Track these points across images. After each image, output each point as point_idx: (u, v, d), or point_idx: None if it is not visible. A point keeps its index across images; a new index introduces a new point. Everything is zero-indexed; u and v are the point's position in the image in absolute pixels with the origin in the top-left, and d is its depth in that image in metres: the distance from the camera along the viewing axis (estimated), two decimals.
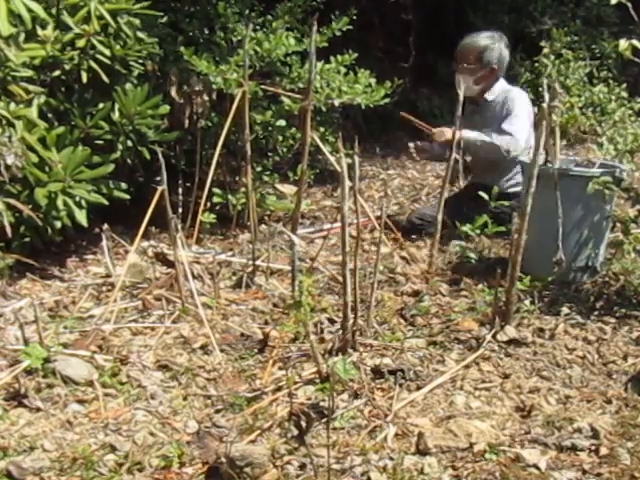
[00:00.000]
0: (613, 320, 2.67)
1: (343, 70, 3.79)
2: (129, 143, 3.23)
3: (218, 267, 3.09)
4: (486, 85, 3.67)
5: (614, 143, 3.21)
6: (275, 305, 2.78)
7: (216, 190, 3.73)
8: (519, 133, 3.50)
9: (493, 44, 3.63)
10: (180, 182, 3.81)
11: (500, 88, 3.69)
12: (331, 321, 2.61)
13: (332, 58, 3.80)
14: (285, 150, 4.06)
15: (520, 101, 3.62)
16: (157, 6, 3.36)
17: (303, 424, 1.91)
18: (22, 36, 2.75)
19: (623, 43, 2.58)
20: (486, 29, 3.82)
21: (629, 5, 2.63)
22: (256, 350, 2.41)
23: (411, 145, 3.83)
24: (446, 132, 3.52)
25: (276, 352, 2.37)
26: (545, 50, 4.43)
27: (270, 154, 4.05)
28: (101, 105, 3.13)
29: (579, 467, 1.81)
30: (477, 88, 3.67)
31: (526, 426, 1.99)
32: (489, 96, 3.68)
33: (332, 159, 3.06)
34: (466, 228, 3.28)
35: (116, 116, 3.16)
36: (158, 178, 2.79)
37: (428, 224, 3.50)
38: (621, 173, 2.92)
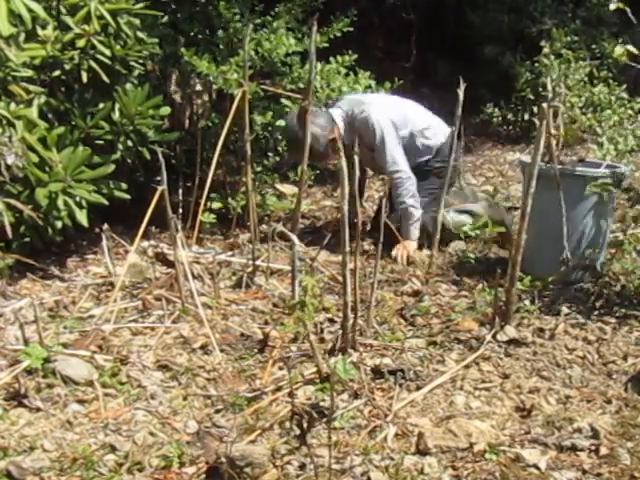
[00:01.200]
0: (613, 320, 2.67)
1: (343, 70, 3.80)
2: (129, 143, 3.23)
3: (218, 267, 3.09)
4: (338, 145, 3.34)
5: (614, 143, 3.21)
6: (275, 305, 2.78)
7: (214, 195, 3.73)
8: (395, 167, 3.36)
9: (311, 134, 3.12)
10: (180, 182, 3.81)
11: (343, 127, 3.40)
12: (331, 321, 2.61)
13: (332, 58, 3.80)
14: (285, 150, 4.06)
15: (374, 128, 3.35)
16: (157, 6, 3.36)
17: (304, 424, 1.91)
18: (22, 36, 2.75)
19: (619, 49, 2.59)
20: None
21: (628, 10, 2.63)
22: (256, 350, 2.41)
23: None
24: (405, 254, 3.29)
25: (276, 352, 2.37)
26: (545, 50, 4.42)
27: (270, 154, 4.05)
28: (101, 105, 3.13)
29: (579, 467, 1.82)
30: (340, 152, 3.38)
31: (526, 426, 1.99)
32: (347, 141, 3.29)
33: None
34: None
35: (116, 116, 3.16)
36: (158, 178, 2.78)
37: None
38: (622, 173, 2.92)
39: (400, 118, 3.44)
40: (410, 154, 3.44)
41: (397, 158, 3.38)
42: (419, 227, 3.37)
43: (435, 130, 3.53)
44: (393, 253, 3.31)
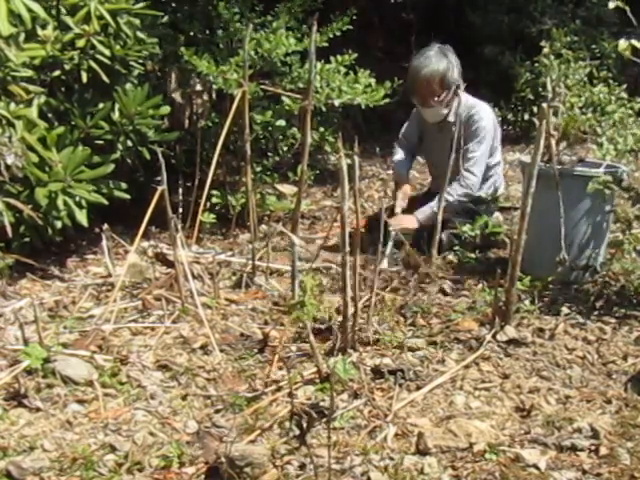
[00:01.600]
0: (613, 320, 2.67)
1: (343, 70, 3.79)
2: (129, 143, 3.23)
3: (218, 267, 3.09)
4: (451, 104, 3.46)
5: (614, 143, 3.20)
6: (276, 304, 2.78)
7: (215, 192, 3.73)
8: (474, 167, 3.42)
9: (449, 62, 3.38)
10: (180, 182, 3.81)
11: (463, 102, 3.36)
12: (331, 321, 2.61)
13: (332, 58, 3.80)
14: (285, 150, 4.06)
15: (485, 122, 3.46)
16: (157, 6, 3.36)
17: (304, 424, 1.91)
18: (22, 36, 2.75)
19: (622, 43, 2.58)
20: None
21: (627, 9, 2.63)
22: (256, 350, 2.41)
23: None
24: (403, 220, 3.39)
25: (278, 352, 2.37)
26: (545, 50, 4.42)
27: (270, 154, 4.05)
28: (101, 105, 3.13)
29: (579, 467, 1.81)
30: (445, 111, 3.48)
31: (526, 426, 1.99)
32: (451, 117, 3.46)
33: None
34: (466, 228, 3.28)
35: (116, 116, 3.16)
36: (158, 178, 2.79)
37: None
38: (622, 173, 2.92)
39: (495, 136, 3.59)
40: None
41: (480, 162, 3.45)
42: (436, 210, 3.34)
43: (498, 173, 3.65)
44: (392, 220, 3.32)
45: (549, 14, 5.80)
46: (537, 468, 1.81)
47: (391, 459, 1.84)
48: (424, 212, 3.40)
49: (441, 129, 3.55)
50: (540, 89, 5.33)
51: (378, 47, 6.00)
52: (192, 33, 3.74)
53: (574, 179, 2.86)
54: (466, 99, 3.47)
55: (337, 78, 3.74)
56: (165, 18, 3.55)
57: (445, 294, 2.89)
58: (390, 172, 5.17)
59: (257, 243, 3.19)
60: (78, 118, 3.09)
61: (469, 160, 3.43)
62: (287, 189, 4.31)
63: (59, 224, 2.96)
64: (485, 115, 3.49)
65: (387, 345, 2.43)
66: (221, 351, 2.39)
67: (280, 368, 2.28)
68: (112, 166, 3.12)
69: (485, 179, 3.55)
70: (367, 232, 3.27)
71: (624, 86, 4.94)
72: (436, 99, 3.41)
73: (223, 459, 1.74)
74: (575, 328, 2.61)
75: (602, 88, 4.79)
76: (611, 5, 2.59)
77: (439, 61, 3.37)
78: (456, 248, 3.28)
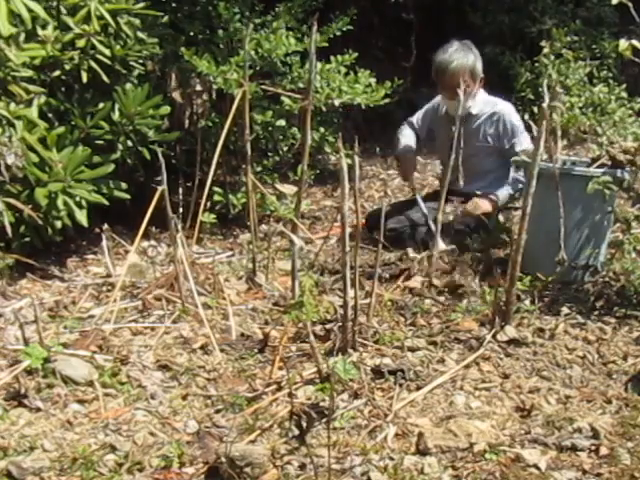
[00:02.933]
0: (613, 320, 2.67)
1: (343, 70, 3.79)
2: (129, 143, 3.23)
3: (218, 267, 3.09)
4: (476, 96, 3.57)
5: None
6: (276, 304, 2.78)
7: (216, 189, 3.74)
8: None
9: (475, 54, 3.50)
10: (180, 182, 3.81)
11: (481, 98, 3.57)
12: (331, 321, 2.61)
13: (332, 58, 3.80)
14: (285, 150, 4.05)
15: (516, 116, 3.58)
16: (157, 6, 3.36)
17: (304, 424, 1.91)
18: (22, 36, 2.76)
19: (623, 43, 2.58)
20: (467, 36, 3.66)
21: (630, 5, 2.62)
22: (256, 350, 2.41)
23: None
24: (480, 203, 3.47)
25: (277, 352, 2.37)
26: (545, 50, 4.42)
27: (270, 154, 4.05)
28: (101, 105, 3.13)
29: (579, 467, 1.81)
30: (471, 103, 3.55)
31: (526, 426, 1.99)
32: (474, 109, 3.56)
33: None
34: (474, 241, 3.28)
35: (116, 116, 3.16)
36: (158, 178, 2.79)
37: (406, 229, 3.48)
38: (622, 173, 2.92)
39: None
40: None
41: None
42: (516, 189, 3.53)
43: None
44: (469, 205, 3.46)
45: (549, 14, 5.79)
46: (537, 468, 1.81)
47: (391, 459, 1.84)
48: (503, 193, 3.54)
49: (464, 123, 3.49)
50: (540, 89, 5.33)
51: (378, 47, 5.99)
52: (192, 33, 3.73)
53: (574, 179, 2.86)
54: (485, 96, 3.60)
55: (337, 78, 3.73)
56: (165, 18, 3.55)
57: (445, 294, 2.89)
58: (390, 172, 5.18)
59: (257, 243, 3.18)
60: (78, 118, 3.09)
61: (524, 145, 3.47)
62: (287, 189, 4.30)
63: (59, 224, 2.96)
64: (510, 110, 3.60)
65: (387, 345, 2.43)
66: (221, 351, 2.39)
67: (280, 368, 2.28)
68: (112, 166, 3.12)
69: (509, 177, 3.64)
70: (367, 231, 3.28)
71: (624, 86, 4.95)
72: (467, 90, 3.43)
73: (223, 459, 1.74)
74: (575, 328, 2.61)
75: (602, 88, 4.80)
76: (614, 1, 2.59)
77: (467, 54, 3.48)
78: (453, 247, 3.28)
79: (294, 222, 2.69)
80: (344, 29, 3.82)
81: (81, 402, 2.09)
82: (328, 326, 2.53)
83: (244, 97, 2.99)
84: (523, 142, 3.49)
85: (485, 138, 3.57)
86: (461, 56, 3.48)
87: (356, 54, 3.81)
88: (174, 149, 3.77)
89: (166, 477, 1.78)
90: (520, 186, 3.51)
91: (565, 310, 2.73)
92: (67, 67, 3.03)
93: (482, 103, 3.58)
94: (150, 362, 2.32)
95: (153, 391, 2.15)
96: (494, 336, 2.46)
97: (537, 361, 2.36)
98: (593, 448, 1.88)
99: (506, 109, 3.58)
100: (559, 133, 2.95)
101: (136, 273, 2.95)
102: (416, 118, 3.88)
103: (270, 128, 3.84)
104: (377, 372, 2.24)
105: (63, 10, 3.00)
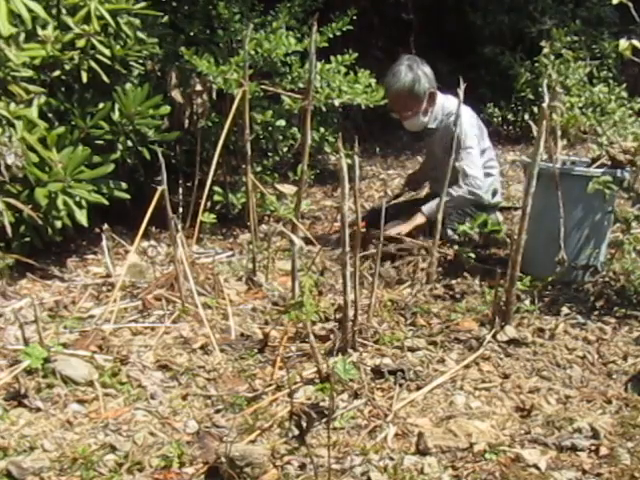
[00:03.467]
0: (613, 320, 2.67)
1: (343, 70, 3.79)
2: (129, 143, 3.23)
3: (218, 267, 3.09)
4: (430, 111, 3.57)
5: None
6: (275, 304, 2.78)
7: (216, 189, 3.74)
8: (473, 168, 3.47)
9: (415, 74, 3.45)
10: (180, 182, 3.81)
11: (439, 110, 3.56)
12: (331, 321, 2.61)
13: (332, 58, 3.80)
14: (285, 150, 4.05)
15: (465, 128, 3.46)
16: (157, 6, 3.36)
17: (303, 424, 1.91)
18: (22, 36, 2.76)
19: (623, 43, 2.58)
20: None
21: (630, 5, 2.62)
22: (256, 350, 2.41)
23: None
24: (393, 229, 3.41)
25: (277, 352, 2.37)
26: (545, 50, 4.42)
27: (270, 154, 4.05)
28: (101, 105, 3.13)
29: (579, 467, 1.81)
30: (425, 119, 3.57)
31: (526, 426, 1.99)
32: (431, 124, 3.59)
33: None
34: (465, 227, 3.28)
35: (116, 116, 3.16)
36: (158, 178, 2.79)
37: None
38: (622, 173, 2.92)
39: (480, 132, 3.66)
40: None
41: (475, 163, 3.51)
42: (439, 207, 3.39)
43: (494, 174, 3.70)
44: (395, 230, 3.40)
45: (549, 14, 5.80)
46: (537, 468, 1.81)
47: (391, 459, 1.84)
48: (432, 208, 3.45)
49: (428, 136, 3.71)
50: (540, 89, 5.33)
51: (378, 47, 6.00)
52: (192, 33, 3.74)
53: (574, 179, 2.86)
54: (442, 106, 3.58)
55: (337, 78, 3.74)
56: (165, 18, 3.55)
57: (445, 294, 2.89)
58: (390, 172, 5.18)
59: (257, 243, 3.19)
60: (78, 118, 3.09)
61: (465, 167, 3.47)
62: (287, 189, 4.31)
63: (59, 224, 2.96)
64: (461, 121, 3.41)
65: (387, 345, 2.43)
66: (221, 351, 2.39)
67: (280, 368, 2.28)
68: (112, 166, 3.12)
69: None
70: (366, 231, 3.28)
71: (624, 86, 4.95)
72: (411, 112, 3.52)
73: (223, 459, 1.74)
74: (575, 328, 2.61)
75: (602, 88, 4.79)
76: (614, 1, 2.59)
77: (405, 75, 3.45)
78: (456, 247, 3.28)
79: (294, 222, 2.69)
80: (344, 29, 3.82)
81: (81, 402, 2.09)
82: (328, 326, 2.54)
83: (244, 97, 2.99)
84: (464, 158, 3.45)
85: (445, 149, 3.43)
86: (400, 78, 3.45)
87: (356, 54, 3.81)
88: (174, 149, 3.77)
89: (166, 477, 1.78)
90: (451, 198, 3.39)
91: (565, 310, 2.73)
92: (67, 67, 3.03)
93: (441, 114, 3.58)
94: (150, 362, 2.32)
95: (153, 391, 2.15)
96: (494, 336, 2.46)
97: (537, 361, 2.36)
98: (593, 448, 1.88)
99: (459, 120, 3.40)
100: (559, 133, 2.96)
101: (136, 273, 2.95)
102: None
103: (270, 128, 3.85)
104: (377, 372, 2.24)
105: (63, 10, 3.00)
